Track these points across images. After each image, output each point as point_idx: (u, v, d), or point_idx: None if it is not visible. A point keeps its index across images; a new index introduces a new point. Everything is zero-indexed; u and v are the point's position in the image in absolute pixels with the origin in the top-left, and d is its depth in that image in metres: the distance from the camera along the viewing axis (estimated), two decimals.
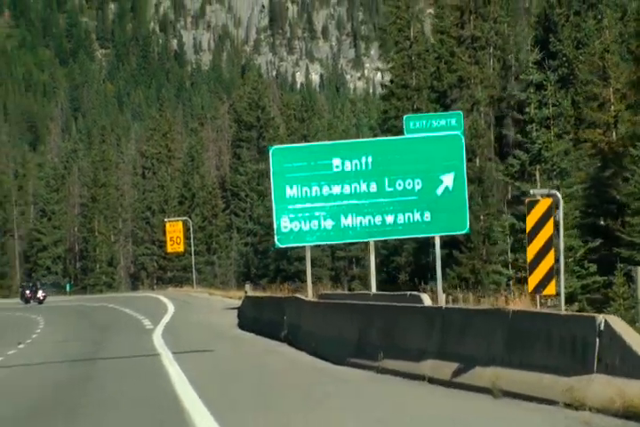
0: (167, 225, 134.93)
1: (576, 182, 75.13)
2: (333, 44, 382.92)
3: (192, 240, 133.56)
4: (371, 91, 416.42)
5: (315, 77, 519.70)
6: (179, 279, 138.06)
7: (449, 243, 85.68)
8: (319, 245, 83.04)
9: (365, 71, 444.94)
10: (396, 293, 60.73)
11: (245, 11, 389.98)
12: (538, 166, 77.58)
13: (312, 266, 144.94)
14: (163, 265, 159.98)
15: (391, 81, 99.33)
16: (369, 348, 36.42)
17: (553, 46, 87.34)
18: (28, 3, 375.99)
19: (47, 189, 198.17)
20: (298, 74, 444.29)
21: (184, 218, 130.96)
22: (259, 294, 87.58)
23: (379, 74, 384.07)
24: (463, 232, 65.96)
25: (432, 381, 28.53)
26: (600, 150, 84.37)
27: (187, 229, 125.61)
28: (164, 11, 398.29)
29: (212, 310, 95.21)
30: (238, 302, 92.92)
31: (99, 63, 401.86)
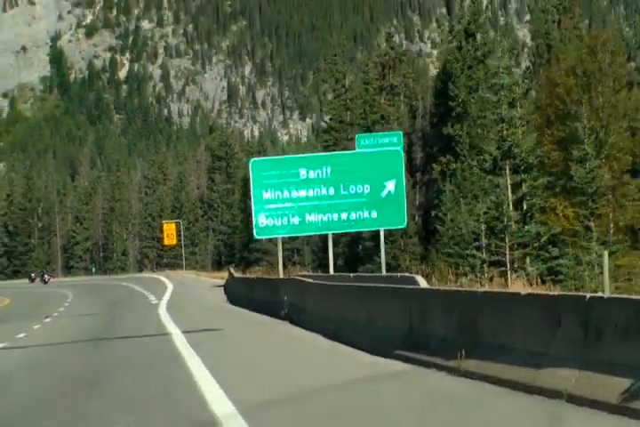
0: (164, 226, 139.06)
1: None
2: (269, 112, 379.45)
3: (182, 237, 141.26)
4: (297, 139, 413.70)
5: (256, 134, 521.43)
6: (172, 264, 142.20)
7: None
8: (285, 237, 74.35)
9: (290, 130, 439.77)
10: (382, 274, 50.13)
11: (212, 90, 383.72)
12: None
13: (265, 255, 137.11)
14: (160, 254, 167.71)
15: (330, 118, 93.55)
16: (433, 341, 21.47)
17: (451, 91, 79.48)
18: (69, 84, 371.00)
19: (79, 203, 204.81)
20: (245, 132, 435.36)
21: (176, 221, 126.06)
22: (238, 275, 77.39)
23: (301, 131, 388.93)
24: (402, 227, 56.75)
25: (575, 400, 14.42)
26: None
27: (177, 229, 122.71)
28: (158, 90, 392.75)
29: (202, 288, 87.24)
30: (221, 282, 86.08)
31: (115, 124, 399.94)
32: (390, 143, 59.91)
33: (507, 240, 62.27)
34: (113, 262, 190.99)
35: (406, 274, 46.51)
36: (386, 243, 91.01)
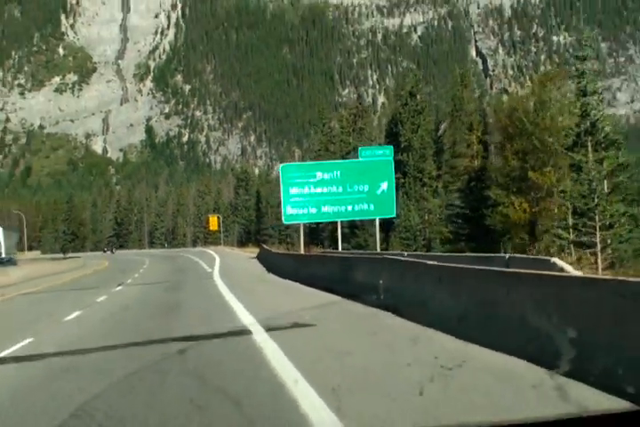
0: (210, 218, 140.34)
1: None
2: (266, 160, 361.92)
3: (220, 225, 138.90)
4: None
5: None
6: (213, 242, 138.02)
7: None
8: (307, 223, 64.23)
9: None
10: (482, 254, 33.74)
11: (233, 149, 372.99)
12: None
13: (270, 238, 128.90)
14: (206, 236, 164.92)
15: (319, 149, 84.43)
16: None
17: (400, 132, 71.42)
18: (155, 144, 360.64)
19: (159, 206, 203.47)
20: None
21: (217, 215, 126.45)
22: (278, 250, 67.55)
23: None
24: (392, 216, 47.80)
25: None
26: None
27: (217, 221, 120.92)
28: (204, 148, 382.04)
29: (239, 259, 76.84)
30: (251, 254, 79.94)
31: (180, 166, 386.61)
32: (384, 155, 55.17)
33: (597, 219, 45.78)
34: (177, 241, 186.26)
35: (540, 257, 27.99)
36: (360, 229, 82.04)
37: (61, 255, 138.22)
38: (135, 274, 54.31)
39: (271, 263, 50.64)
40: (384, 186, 52.86)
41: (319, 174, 53.83)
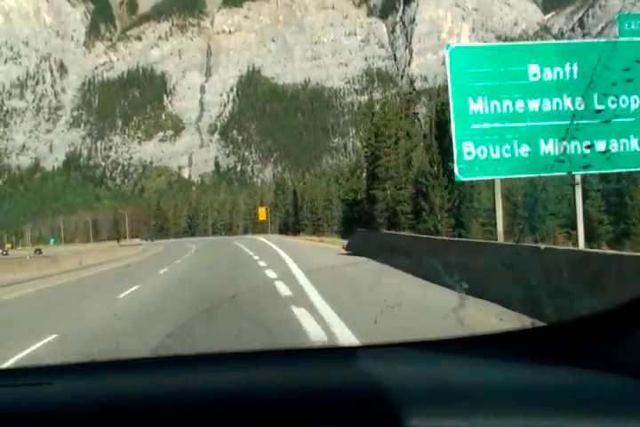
0: (259, 209, 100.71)
1: None
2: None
3: (267, 216, 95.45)
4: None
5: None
6: (260, 231, 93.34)
7: None
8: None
9: None
10: None
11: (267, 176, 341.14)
12: None
13: (305, 227, 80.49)
14: (254, 225, 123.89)
15: (368, 139, 41.40)
16: None
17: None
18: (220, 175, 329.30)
19: (220, 207, 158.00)
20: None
21: (265, 207, 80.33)
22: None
23: None
24: None
25: None
26: None
27: (265, 213, 79.10)
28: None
29: (322, 256, 26.21)
30: (319, 244, 40.07)
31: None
32: None
33: None
34: (232, 230, 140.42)
35: None
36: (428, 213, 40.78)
37: (145, 241, 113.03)
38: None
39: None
40: None
41: (534, 69, 10.45)
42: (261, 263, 20.88)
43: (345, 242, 31.37)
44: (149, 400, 1.33)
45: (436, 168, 33.04)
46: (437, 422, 1.16)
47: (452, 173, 11.06)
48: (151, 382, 1.47)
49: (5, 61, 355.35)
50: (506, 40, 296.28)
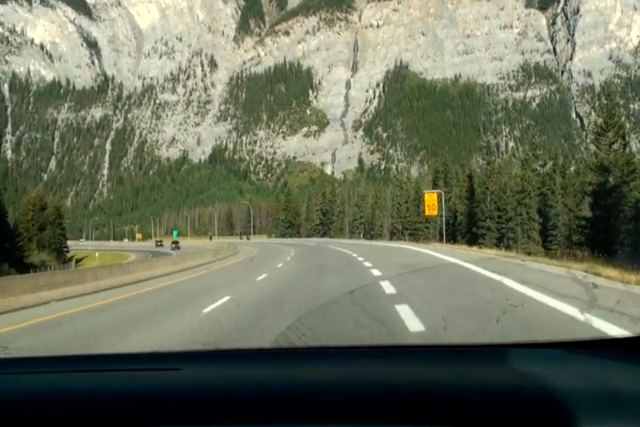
0: (426, 195, 58.05)
1: None
2: None
3: (442, 208, 55.18)
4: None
5: None
6: (421, 236, 62.05)
7: None
8: None
9: None
10: None
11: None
12: None
13: (487, 231, 55.99)
14: (405, 226, 79.36)
15: None
16: None
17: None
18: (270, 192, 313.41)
19: (357, 200, 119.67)
20: None
21: (437, 191, 51.46)
22: None
23: None
24: None
25: None
26: None
27: (439, 198, 46.18)
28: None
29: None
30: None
31: None
32: None
33: None
34: (375, 231, 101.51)
35: None
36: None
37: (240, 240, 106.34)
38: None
39: None
40: None
41: None
42: None
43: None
44: (269, 389, 1.36)
45: None
46: None
47: None
48: (273, 372, 1.49)
49: (160, 56, 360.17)
50: None
